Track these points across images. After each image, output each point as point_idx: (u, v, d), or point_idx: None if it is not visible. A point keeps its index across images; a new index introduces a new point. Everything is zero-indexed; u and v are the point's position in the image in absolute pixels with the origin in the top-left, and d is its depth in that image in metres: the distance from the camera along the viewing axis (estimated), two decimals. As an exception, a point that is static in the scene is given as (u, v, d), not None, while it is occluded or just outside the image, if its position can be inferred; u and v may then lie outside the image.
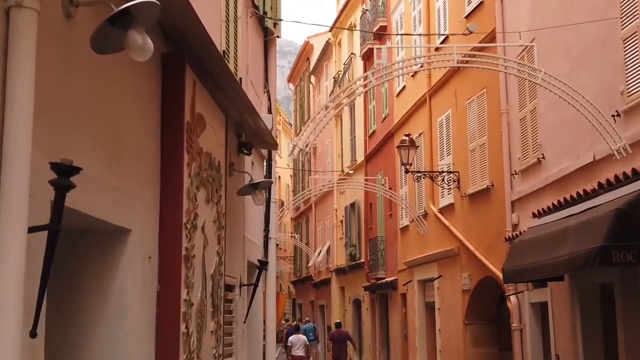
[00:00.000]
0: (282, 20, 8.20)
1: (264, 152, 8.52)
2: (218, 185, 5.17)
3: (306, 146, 7.55)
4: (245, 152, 6.45)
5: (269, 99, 8.45)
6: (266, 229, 8.25)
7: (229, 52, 6.16)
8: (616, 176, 7.85)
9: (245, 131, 6.50)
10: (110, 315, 3.52)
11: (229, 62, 6.13)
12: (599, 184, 8.21)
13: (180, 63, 4.21)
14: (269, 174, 8.25)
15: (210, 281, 4.94)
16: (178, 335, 4.07)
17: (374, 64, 8.17)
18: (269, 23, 8.10)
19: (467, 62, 8.53)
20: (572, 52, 9.47)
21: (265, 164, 8.44)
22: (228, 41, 6.16)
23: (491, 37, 11.83)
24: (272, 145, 7.06)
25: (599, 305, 9.16)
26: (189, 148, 4.30)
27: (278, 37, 8.40)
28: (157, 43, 4.17)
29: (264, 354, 8.13)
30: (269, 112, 8.33)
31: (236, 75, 6.41)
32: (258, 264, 6.92)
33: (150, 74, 4.04)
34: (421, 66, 9.13)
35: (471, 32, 9.49)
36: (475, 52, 8.55)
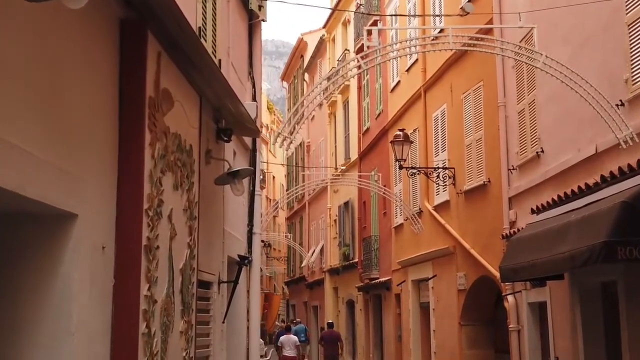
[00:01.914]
0: (266, 0, 7.74)
1: (249, 143, 8.06)
2: (189, 171, 4.71)
3: (291, 134, 7.08)
4: (225, 138, 6.00)
5: (254, 86, 7.99)
6: (250, 224, 7.79)
7: (206, 30, 5.71)
8: (620, 168, 7.44)
9: (225, 117, 6.05)
10: (51, 312, 3.06)
11: (206, 41, 5.68)
12: (602, 177, 7.80)
13: (141, 30, 3.75)
14: (253, 165, 7.78)
15: (179, 276, 4.48)
16: (137, 336, 3.61)
17: (364, 47, 7.72)
18: (253, 5, 7.64)
19: (463, 45, 8.07)
20: (573, 39, 9.06)
21: (250, 155, 7.97)
22: (205, 18, 5.71)
23: (487, 30, 11.41)
24: (255, 132, 6.60)
25: (601, 305, 8.77)
26: (152, 126, 3.84)
27: (264, 20, 7.94)
28: (116, 9, 3.73)
29: (247, 355, 7.67)
30: (254, 99, 7.88)
31: (215, 56, 5.96)
32: (238, 259, 6.46)
33: (106, 41, 3.59)
34: (416, 49, 8.58)
35: (467, 13, 9.02)
36: (472, 35, 8.07)
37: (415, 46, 7.59)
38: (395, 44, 7.33)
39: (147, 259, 3.77)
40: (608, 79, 8.09)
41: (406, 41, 7.34)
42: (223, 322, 6.44)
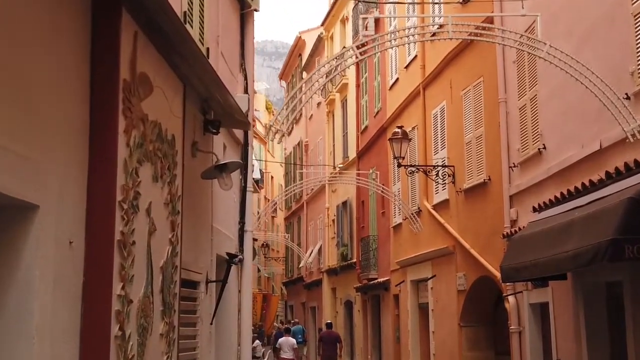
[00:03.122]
0: (259, -12, 7.46)
1: (241, 137, 7.77)
2: (171, 163, 4.41)
3: (289, 119, 6.79)
4: (213, 131, 5.70)
5: (246, 78, 7.70)
6: (241, 221, 7.49)
7: (192, 15, 5.42)
8: (626, 164, 7.16)
9: (213, 108, 5.76)
10: (8, 313, 2.77)
11: (192, 27, 5.39)
12: (607, 173, 7.53)
13: (114, 7, 3.45)
14: (245, 160, 7.49)
15: (159, 275, 4.18)
16: (108, 339, 3.32)
17: (360, 36, 7.43)
18: (244, -7, 7.37)
19: (463, 34, 7.77)
20: (577, 31, 8.78)
21: (241, 149, 7.67)
22: (191, 3, 5.42)
23: (490, 20, 11.13)
24: (246, 125, 6.31)
25: (605, 306, 8.49)
26: (127, 111, 3.54)
27: (256, 10, 7.65)
28: (89, -15, 3.45)
29: (238, 358, 7.37)
30: (246, 92, 7.58)
31: (202, 44, 5.67)
32: (227, 257, 6.15)
33: (76, 16, 3.29)
34: (414, 38, 8.20)
35: (468, 1, 8.72)
36: (473, 23, 7.74)
37: (413, 35, 7.29)
38: (393, 32, 7.02)
39: (120, 255, 3.47)
40: (613, 72, 7.81)
41: (404, 30, 7.03)
42: (211, 324, 6.14)
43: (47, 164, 2.95)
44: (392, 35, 7.30)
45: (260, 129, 39.09)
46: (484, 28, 7.56)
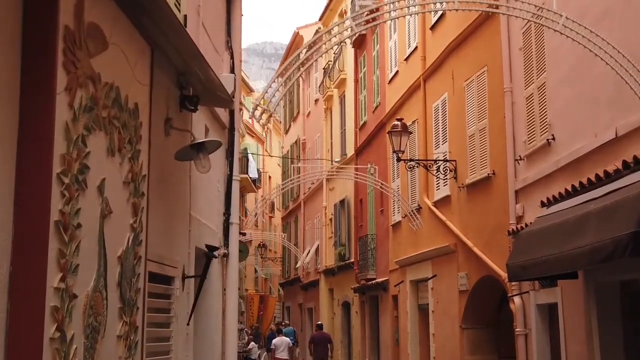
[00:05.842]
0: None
1: (227, 122, 7.16)
2: (133, 136, 3.79)
3: (271, 103, 6.24)
4: (190, 107, 5.10)
5: (232, 58, 7.10)
6: (227, 212, 6.87)
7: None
8: (646, 151, 6.58)
9: (191, 83, 5.16)
10: None
11: (166, -11, 4.78)
12: (624, 162, 6.94)
13: None
14: (231, 145, 6.88)
15: (117, 266, 3.57)
16: (41, 341, 2.71)
17: (356, 6, 6.83)
18: (230, -37, 6.78)
19: (469, 4, 7.15)
20: (591, 12, 8.19)
21: (228, 134, 7.04)
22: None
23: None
24: (228, 102, 5.69)
25: (619, 307, 7.90)
26: (70, 65, 2.93)
27: (243, -17, 7.08)
28: None
29: (223, 362, 6.76)
30: (232, 72, 6.98)
31: (179, 10, 5.05)
32: (206, 250, 5.53)
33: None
34: (415, 9, 7.51)
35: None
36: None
37: (415, 6, 6.69)
38: (392, 2, 6.43)
39: (59, 239, 2.86)
40: (630, 54, 7.23)
41: (404, 0, 6.48)
42: (188, 324, 5.52)
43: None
44: (392, 6, 6.71)
45: (257, 127, 38.52)
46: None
